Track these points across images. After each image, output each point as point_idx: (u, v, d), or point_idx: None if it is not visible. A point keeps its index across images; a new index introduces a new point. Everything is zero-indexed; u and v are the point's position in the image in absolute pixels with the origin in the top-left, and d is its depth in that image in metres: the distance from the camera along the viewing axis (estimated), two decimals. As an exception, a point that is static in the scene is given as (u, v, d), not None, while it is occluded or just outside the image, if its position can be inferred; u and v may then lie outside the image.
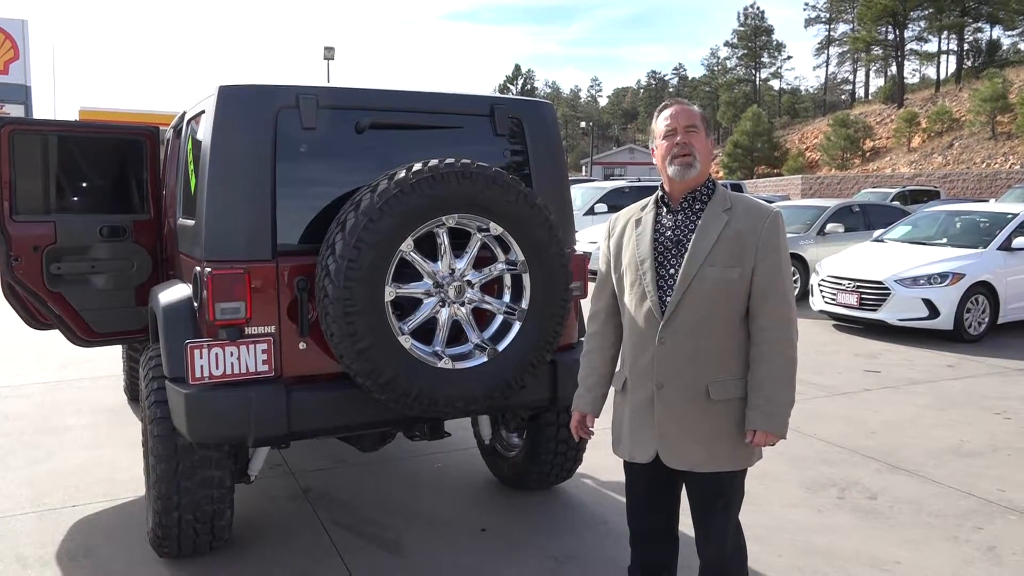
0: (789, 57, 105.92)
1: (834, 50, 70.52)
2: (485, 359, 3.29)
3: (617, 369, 2.58)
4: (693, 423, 2.35)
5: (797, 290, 11.64)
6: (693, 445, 2.35)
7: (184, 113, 4.13)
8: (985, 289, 8.89)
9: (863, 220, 12.65)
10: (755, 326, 2.34)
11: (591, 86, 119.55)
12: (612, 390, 2.60)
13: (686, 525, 2.52)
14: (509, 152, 3.72)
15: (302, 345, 3.24)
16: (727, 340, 2.35)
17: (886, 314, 8.93)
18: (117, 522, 4.06)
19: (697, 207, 2.39)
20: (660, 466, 2.40)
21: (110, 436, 5.41)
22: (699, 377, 2.33)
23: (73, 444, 5.25)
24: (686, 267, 2.32)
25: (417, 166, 3.10)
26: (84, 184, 5.00)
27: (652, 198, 2.48)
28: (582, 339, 2.72)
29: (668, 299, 2.34)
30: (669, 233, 2.39)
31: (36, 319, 4.95)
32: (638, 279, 2.39)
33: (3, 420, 5.78)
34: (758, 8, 74.01)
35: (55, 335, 5.08)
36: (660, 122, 2.40)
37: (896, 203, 18.94)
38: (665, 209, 2.43)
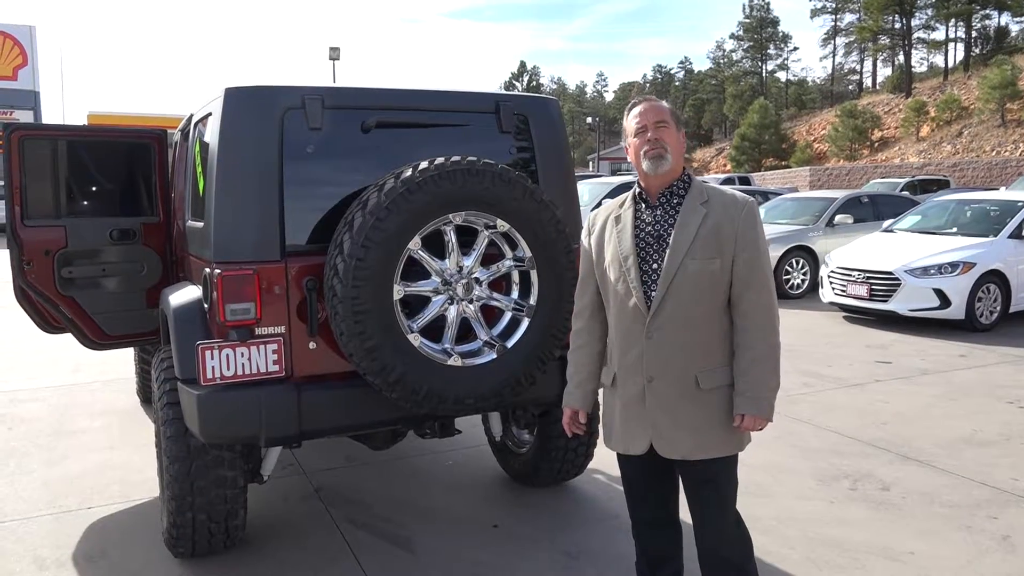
0: (795, 48, 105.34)
1: (841, 40, 70.08)
2: (494, 356, 3.30)
3: (605, 364, 2.61)
4: (684, 413, 2.40)
5: (807, 282, 11.61)
6: (685, 434, 2.40)
7: (191, 116, 4.15)
8: (996, 278, 8.84)
9: (872, 211, 12.59)
10: (738, 314, 2.40)
11: (597, 81, 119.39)
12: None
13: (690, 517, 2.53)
14: (515, 149, 3.72)
15: (312, 345, 3.25)
16: (712, 330, 2.40)
17: (897, 305, 8.90)
18: (132, 523, 4.09)
19: (675, 201, 2.43)
20: (654, 456, 2.45)
21: (123, 438, 5.44)
22: (688, 368, 2.38)
23: (87, 446, 5.29)
24: (668, 261, 2.36)
25: (423, 164, 3.10)
26: (93, 188, 5.04)
27: (629, 195, 2.52)
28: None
29: (653, 294, 2.38)
30: (649, 228, 2.44)
31: (48, 323, 4.99)
32: (622, 275, 2.43)
33: (18, 423, 5.83)
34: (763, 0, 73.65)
35: (67, 338, 5.11)
36: (630, 120, 2.45)
37: (905, 193, 18.84)
38: (644, 205, 2.48)
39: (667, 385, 2.39)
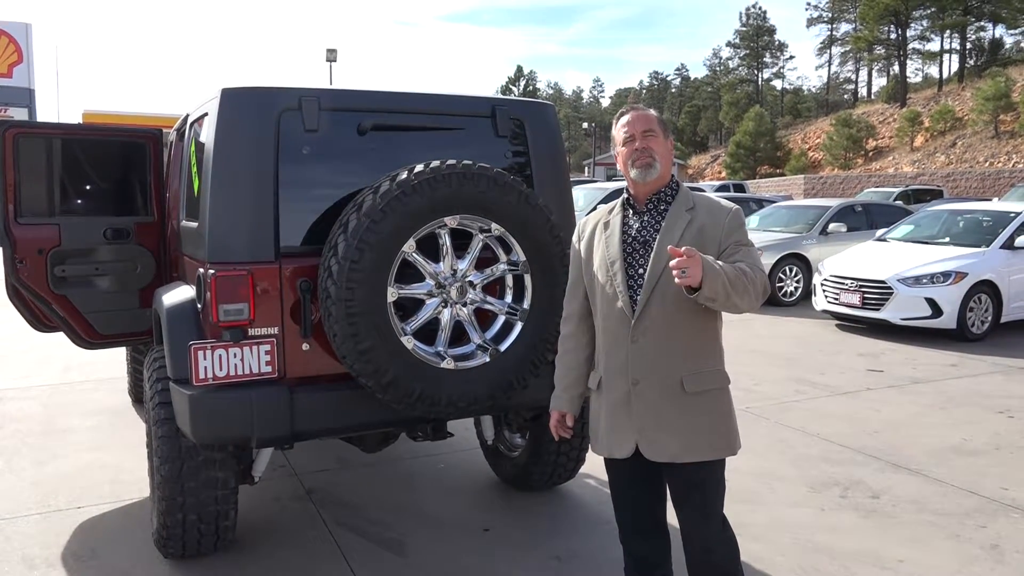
0: (791, 57, 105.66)
1: (836, 50, 70.46)
2: (487, 359, 3.30)
3: (592, 369, 2.62)
4: (670, 416, 2.41)
5: (800, 290, 11.64)
6: (671, 437, 2.41)
7: (187, 116, 4.15)
8: (988, 288, 8.88)
9: (866, 220, 12.64)
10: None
11: (593, 87, 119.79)
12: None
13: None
14: (511, 153, 3.73)
15: (305, 346, 3.25)
16: (697, 334, 2.42)
17: (889, 313, 8.93)
18: (122, 523, 4.07)
19: (662, 208, 2.47)
20: (641, 460, 2.46)
21: (114, 438, 5.43)
22: (673, 371, 2.40)
23: (78, 446, 5.27)
24: (653, 265, 2.39)
25: (419, 167, 3.11)
26: (88, 187, 5.03)
27: (619, 201, 2.56)
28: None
29: (638, 298, 2.41)
30: (636, 234, 2.47)
31: (40, 321, 4.98)
32: (609, 280, 2.47)
33: (8, 422, 5.80)
34: (760, 8, 74.03)
35: (59, 337, 5.10)
36: (619, 130, 2.49)
37: (899, 202, 18.92)
38: (632, 211, 2.52)
39: (652, 388, 2.41)
